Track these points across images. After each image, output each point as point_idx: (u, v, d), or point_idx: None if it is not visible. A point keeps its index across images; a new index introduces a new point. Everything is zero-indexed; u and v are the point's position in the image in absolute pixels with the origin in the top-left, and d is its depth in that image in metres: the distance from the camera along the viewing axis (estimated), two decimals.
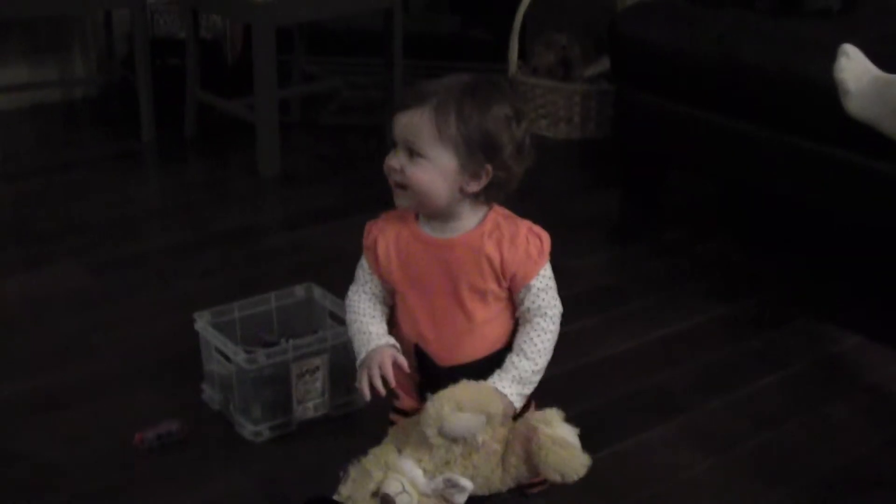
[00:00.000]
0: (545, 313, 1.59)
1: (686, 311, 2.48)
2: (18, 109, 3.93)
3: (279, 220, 3.14)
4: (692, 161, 2.93)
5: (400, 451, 1.61)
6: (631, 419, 2.06)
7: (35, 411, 2.07)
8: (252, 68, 3.29)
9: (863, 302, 2.54)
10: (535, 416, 1.63)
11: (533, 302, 1.58)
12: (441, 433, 1.54)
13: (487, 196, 1.57)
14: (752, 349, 2.34)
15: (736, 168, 2.74)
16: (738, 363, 2.28)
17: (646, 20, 2.89)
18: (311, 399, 2.03)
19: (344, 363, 1.95)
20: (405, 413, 1.70)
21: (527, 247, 1.56)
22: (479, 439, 1.57)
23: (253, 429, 1.98)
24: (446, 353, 1.60)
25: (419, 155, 1.51)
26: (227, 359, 2.00)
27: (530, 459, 1.60)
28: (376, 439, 1.72)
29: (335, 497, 1.61)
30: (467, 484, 1.58)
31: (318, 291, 2.18)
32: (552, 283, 1.60)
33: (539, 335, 1.60)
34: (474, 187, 1.54)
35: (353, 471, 1.60)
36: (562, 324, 1.65)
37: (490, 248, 1.55)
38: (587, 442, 1.64)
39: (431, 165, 1.51)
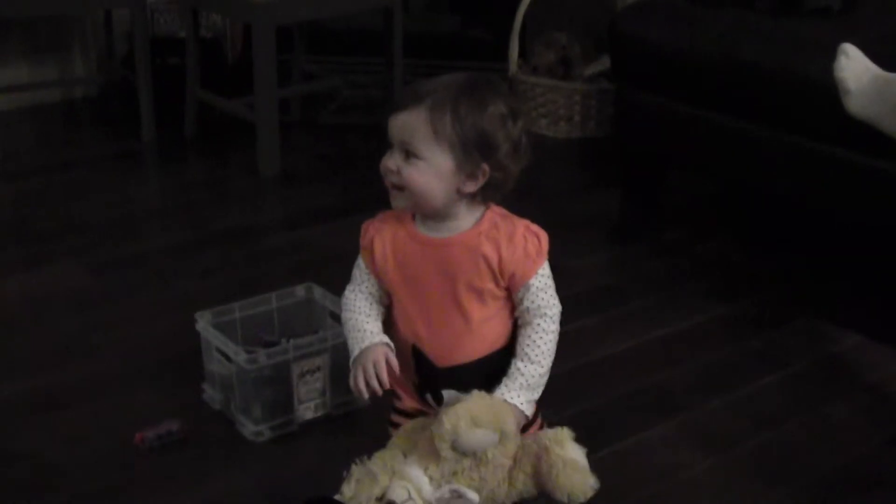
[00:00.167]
0: (545, 313, 1.59)
1: (686, 310, 2.48)
2: (18, 109, 3.93)
3: (279, 220, 3.14)
4: (692, 160, 2.92)
5: (406, 456, 1.60)
6: (631, 419, 2.06)
7: (35, 411, 2.07)
8: (252, 67, 3.29)
9: (863, 301, 2.54)
10: (546, 434, 1.62)
11: (532, 301, 1.58)
12: (454, 447, 1.53)
13: (484, 196, 1.57)
14: (752, 349, 2.34)
15: (736, 167, 2.74)
16: (739, 363, 2.28)
17: (646, 19, 2.89)
18: (311, 399, 2.03)
19: (344, 363, 1.93)
20: (406, 413, 1.69)
21: (525, 245, 1.56)
22: (490, 455, 1.57)
23: (254, 429, 1.98)
24: (444, 354, 1.60)
25: (415, 156, 1.51)
26: (228, 359, 2.00)
27: (538, 477, 1.59)
28: (377, 439, 1.72)
29: (337, 496, 1.60)
30: (473, 497, 1.57)
31: (318, 291, 2.18)
32: (551, 282, 1.60)
33: (541, 336, 1.59)
34: (471, 187, 1.54)
35: (357, 471, 1.60)
36: (561, 323, 1.65)
37: (487, 248, 1.55)
38: (587, 442, 1.64)
39: (427, 166, 1.51)
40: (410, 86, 1.58)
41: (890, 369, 2.26)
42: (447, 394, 1.62)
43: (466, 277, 1.56)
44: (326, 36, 4.15)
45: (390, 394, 1.67)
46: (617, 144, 3.23)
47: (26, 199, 3.20)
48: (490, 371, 1.62)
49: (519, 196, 1.62)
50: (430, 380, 1.62)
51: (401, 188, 1.53)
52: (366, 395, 1.59)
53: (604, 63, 3.62)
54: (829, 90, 2.27)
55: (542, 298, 1.58)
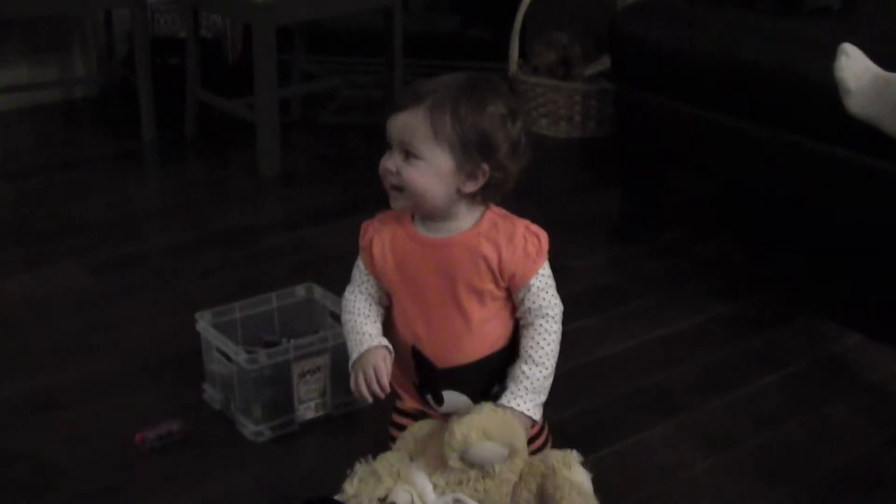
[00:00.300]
0: (546, 314, 1.58)
1: (686, 310, 2.48)
2: (19, 109, 3.93)
3: (279, 220, 3.14)
4: (692, 160, 2.92)
5: (412, 460, 1.60)
6: (631, 419, 2.06)
7: (35, 411, 2.07)
8: (252, 68, 3.29)
9: (863, 301, 2.54)
10: (555, 455, 1.62)
11: (533, 302, 1.57)
12: (463, 458, 1.53)
13: (484, 196, 1.56)
14: (753, 349, 2.34)
15: (736, 167, 2.74)
16: (738, 363, 2.28)
17: (646, 19, 2.89)
18: (312, 399, 2.03)
19: (345, 363, 1.93)
20: (408, 413, 1.69)
21: (525, 246, 1.55)
22: (497, 469, 1.57)
23: (254, 429, 1.98)
24: (444, 354, 1.59)
25: (415, 156, 1.50)
26: (228, 359, 2.00)
27: (543, 497, 1.59)
28: (378, 439, 1.72)
29: (338, 496, 1.60)
30: None
31: (318, 291, 2.18)
32: (551, 282, 1.59)
33: (544, 338, 1.59)
34: (471, 187, 1.53)
35: (361, 470, 1.60)
36: (562, 323, 1.65)
37: (487, 248, 1.54)
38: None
39: (427, 166, 1.50)
40: (410, 86, 1.57)
41: (890, 369, 2.26)
42: (447, 394, 1.62)
43: (466, 278, 1.55)
44: (326, 36, 4.15)
45: (392, 394, 1.67)
46: (617, 144, 3.23)
47: (26, 199, 3.21)
48: (490, 371, 1.61)
49: (519, 196, 1.62)
50: (430, 380, 1.62)
51: (400, 189, 1.53)
52: (369, 399, 1.59)
53: (604, 63, 3.62)
54: (830, 90, 2.27)
55: (544, 298, 1.58)
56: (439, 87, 1.52)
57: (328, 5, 3.51)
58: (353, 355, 1.61)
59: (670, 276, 2.67)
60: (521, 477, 1.60)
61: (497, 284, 1.56)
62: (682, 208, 3.15)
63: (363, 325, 1.62)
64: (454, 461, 1.53)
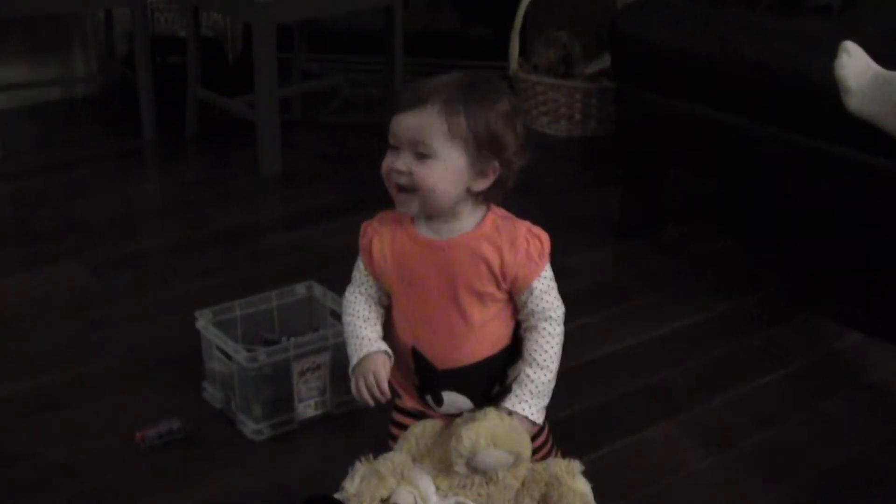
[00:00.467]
0: (549, 317, 1.58)
1: (687, 308, 2.48)
2: (19, 108, 3.93)
3: (280, 219, 3.14)
4: (693, 158, 2.92)
5: (414, 461, 1.60)
6: (631, 417, 2.07)
7: (35, 411, 2.07)
8: (253, 67, 3.29)
9: (863, 299, 2.54)
10: (559, 464, 1.61)
11: (536, 305, 1.57)
12: (469, 464, 1.53)
13: (488, 195, 1.56)
14: (753, 347, 2.34)
15: (736, 165, 2.74)
16: (739, 361, 2.28)
17: (646, 18, 2.89)
18: (312, 397, 2.03)
19: (345, 361, 1.93)
20: (408, 412, 1.69)
21: (527, 248, 1.55)
22: (500, 475, 1.57)
23: (254, 427, 1.99)
24: (444, 356, 1.59)
25: (428, 155, 1.48)
26: (229, 357, 2.00)
27: None
28: (378, 437, 1.72)
29: (338, 494, 1.60)
30: None
31: (318, 289, 2.18)
32: (553, 284, 1.59)
33: (547, 341, 1.58)
34: (480, 186, 1.53)
35: (362, 469, 1.59)
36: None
37: (488, 251, 1.54)
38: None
39: (442, 165, 1.49)
40: (408, 86, 1.56)
41: (890, 368, 2.26)
42: (447, 395, 1.61)
43: (467, 280, 1.55)
44: (327, 35, 4.15)
45: (392, 393, 1.67)
46: (617, 142, 3.22)
47: (26, 198, 3.21)
48: (491, 373, 1.61)
49: (519, 194, 1.61)
50: (430, 381, 1.62)
51: (411, 190, 1.51)
52: (371, 404, 1.59)
53: (604, 61, 3.62)
54: (830, 88, 2.26)
55: (546, 301, 1.57)
56: (441, 86, 1.51)
57: (328, 4, 3.51)
58: (353, 360, 1.60)
59: (671, 275, 2.67)
60: (523, 483, 1.60)
61: (498, 287, 1.56)
62: (682, 206, 3.15)
63: (362, 330, 1.62)
64: (460, 466, 1.53)
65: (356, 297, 1.64)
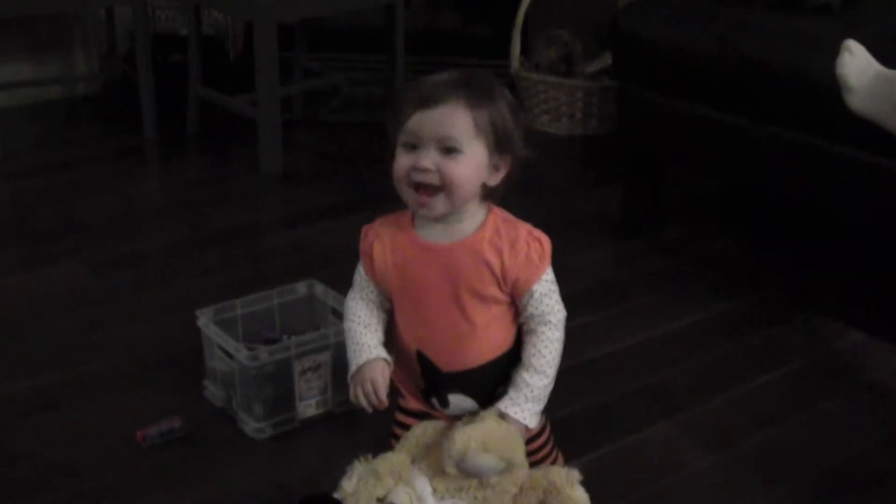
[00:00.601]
0: (549, 320, 1.57)
1: (687, 308, 2.48)
2: (20, 106, 3.93)
3: (281, 218, 3.14)
4: (693, 157, 2.92)
5: (413, 461, 1.60)
6: (631, 416, 2.07)
7: (35, 411, 2.07)
8: (254, 65, 3.29)
9: (863, 299, 2.54)
10: (558, 472, 1.61)
11: (536, 308, 1.56)
12: (459, 466, 1.53)
13: (492, 193, 1.56)
14: (753, 346, 2.34)
15: (737, 164, 2.74)
16: (739, 360, 2.28)
17: (647, 16, 2.89)
18: (313, 396, 2.03)
19: (346, 360, 1.94)
20: (411, 413, 1.68)
21: (528, 251, 1.54)
22: (493, 480, 1.57)
23: (255, 426, 1.99)
24: (448, 359, 1.58)
25: (456, 150, 1.47)
26: (230, 356, 2.00)
27: None
28: (379, 437, 1.71)
29: (336, 493, 1.60)
30: None
31: (319, 288, 2.18)
32: (554, 287, 1.58)
33: (546, 346, 1.57)
34: (494, 180, 1.53)
35: (360, 468, 1.59)
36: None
37: (490, 254, 1.53)
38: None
39: (468, 159, 1.48)
40: (414, 85, 1.55)
41: (890, 367, 2.26)
42: (453, 398, 1.61)
43: (470, 283, 1.54)
44: (328, 33, 4.15)
45: (395, 393, 1.67)
46: (618, 141, 3.23)
47: (27, 197, 3.21)
48: (496, 374, 1.60)
49: (520, 193, 1.61)
50: (436, 384, 1.61)
51: (439, 189, 1.49)
52: (369, 411, 1.58)
53: (605, 60, 3.62)
54: (831, 87, 2.26)
55: (546, 304, 1.57)
56: (453, 82, 1.50)
57: (329, 2, 3.51)
58: (352, 367, 1.60)
59: (671, 274, 2.67)
60: (521, 489, 1.60)
61: (501, 289, 1.55)
62: (682, 206, 3.15)
63: (362, 336, 1.60)
64: (450, 468, 1.53)
65: (357, 303, 1.63)
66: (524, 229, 1.55)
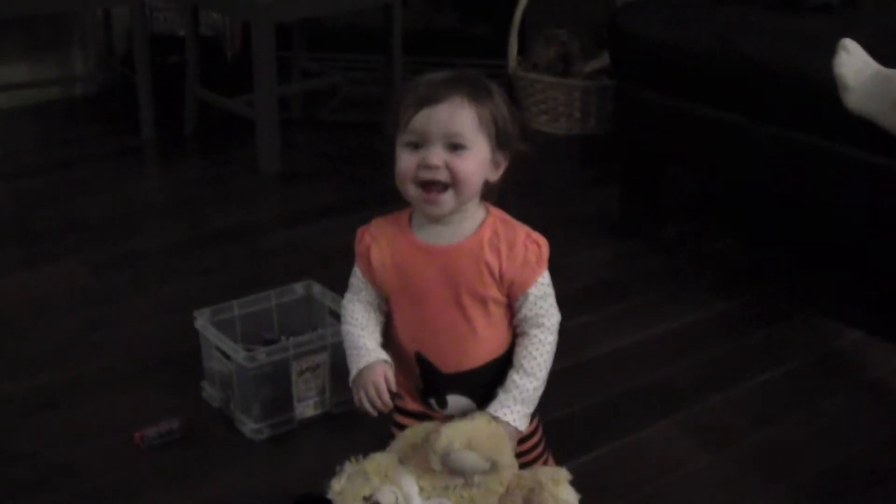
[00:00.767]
0: (542, 324, 1.56)
1: (686, 307, 2.48)
2: (18, 107, 3.93)
3: (279, 218, 3.14)
4: (692, 157, 2.92)
5: (401, 462, 1.60)
6: (631, 415, 2.06)
7: (35, 411, 2.07)
8: (252, 65, 3.29)
9: (863, 298, 2.54)
10: (545, 471, 1.60)
11: (530, 310, 1.56)
12: (443, 462, 1.53)
13: (489, 191, 1.56)
14: (752, 345, 2.34)
15: (735, 164, 2.74)
16: (738, 359, 2.27)
17: (645, 16, 2.89)
18: (311, 397, 2.03)
19: (344, 361, 1.94)
20: (410, 413, 1.68)
21: (525, 254, 1.54)
22: (477, 479, 1.56)
23: (253, 427, 1.98)
24: (448, 360, 1.57)
25: (463, 146, 1.47)
26: (228, 357, 2.00)
27: None
28: (377, 437, 1.71)
29: (328, 493, 1.60)
30: None
31: (317, 289, 2.18)
32: (550, 291, 1.57)
33: (537, 348, 1.57)
34: (495, 176, 1.53)
35: (350, 468, 1.59)
36: (561, 320, 1.63)
37: (489, 256, 1.53)
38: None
39: (474, 155, 1.48)
40: (414, 84, 1.54)
41: (890, 366, 2.26)
42: (451, 398, 1.61)
43: (470, 285, 1.54)
44: (326, 33, 4.15)
45: (394, 395, 1.66)
46: (617, 141, 3.23)
47: (26, 197, 3.21)
48: (495, 374, 1.59)
49: (519, 193, 1.61)
50: (435, 385, 1.61)
51: (444, 187, 1.49)
52: (374, 414, 1.58)
53: (603, 59, 3.62)
54: (830, 87, 2.26)
55: (541, 307, 1.56)
56: (454, 79, 1.50)
57: (328, 2, 3.51)
58: (353, 371, 1.59)
59: (670, 273, 2.67)
60: (508, 489, 1.59)
61: (500, 290, 1.55)
62: (681, 205, 3.15)
63: (361, 339, 1.60)
64: (435, 463, 1.53)
65: (354, 306, 1.62)
66: (522, 231, 1.55)
